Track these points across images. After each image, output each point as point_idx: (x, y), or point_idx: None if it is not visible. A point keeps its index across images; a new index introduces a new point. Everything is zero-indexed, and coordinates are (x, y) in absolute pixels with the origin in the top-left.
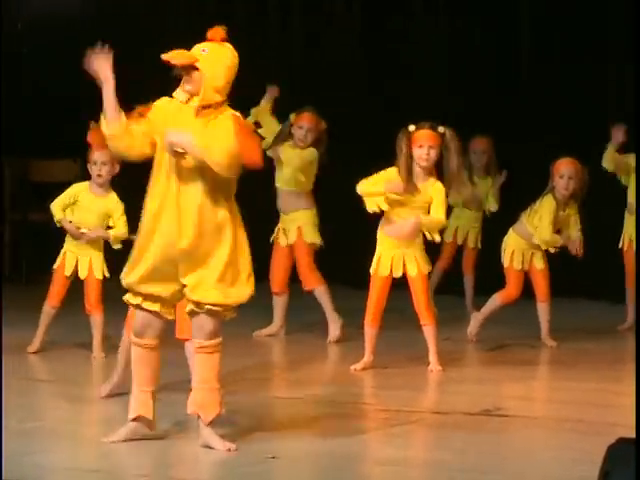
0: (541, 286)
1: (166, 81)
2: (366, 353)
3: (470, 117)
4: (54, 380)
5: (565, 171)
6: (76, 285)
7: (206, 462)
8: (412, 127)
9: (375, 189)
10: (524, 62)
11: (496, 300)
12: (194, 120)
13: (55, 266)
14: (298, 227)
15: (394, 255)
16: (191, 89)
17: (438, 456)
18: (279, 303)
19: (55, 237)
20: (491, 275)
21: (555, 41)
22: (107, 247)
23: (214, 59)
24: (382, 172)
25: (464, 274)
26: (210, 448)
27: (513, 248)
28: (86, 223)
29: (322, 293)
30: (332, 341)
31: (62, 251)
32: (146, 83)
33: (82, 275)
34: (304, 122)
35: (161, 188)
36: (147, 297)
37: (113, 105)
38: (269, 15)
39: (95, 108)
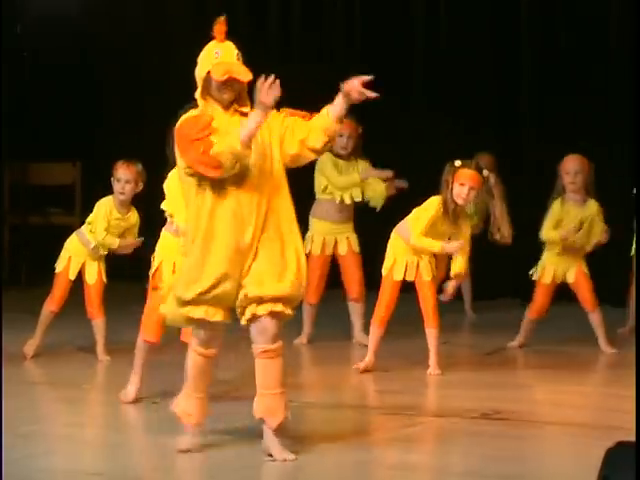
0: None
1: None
2: (368, 354)
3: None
4: (53, 383)
5: (571, 167)
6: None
7: (204, 465)
8: (458, 163)
9: (431, 246)
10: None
11: (527, 316)
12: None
13: (58, 270)
14: (347, 237)
15: (408, 260)
16: (230, 96)
17: (442, 460)
18: (312, 313)
19: (54, 240)
20: (488, 279)
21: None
22: None
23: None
24: (426, 209)
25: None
26: (270, 456)
27: (545, 262)
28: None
29: (359, 308)
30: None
31: (65, 255)
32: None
33: (90, 280)
34: (343, 130)
35: (213, 191)
36: (210, 308)
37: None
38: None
39: (93, 111)
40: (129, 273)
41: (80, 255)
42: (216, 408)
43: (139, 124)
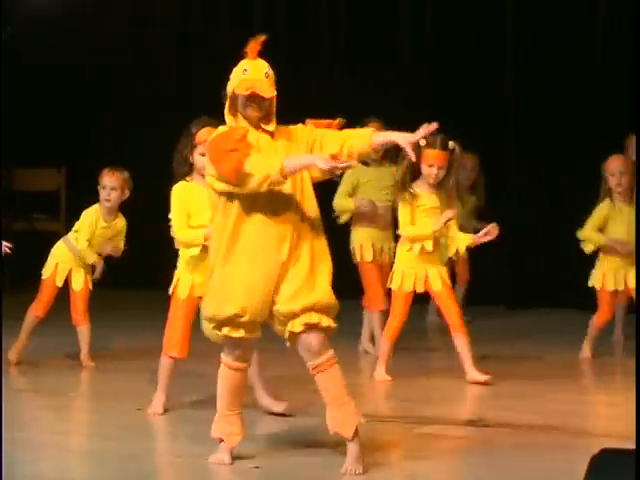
0: None
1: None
2: (378, 366)
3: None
4: (38, 390)
5: (615, 168)
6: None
7: (190, 472)
8: (423, 142)
9: (424, 232)
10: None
11: (592, 325)
12: (274, 143)
13: (45, 276)
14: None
15: (417, 271)
16: (255, 113)
17: (422, 466)
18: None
19: (38, 246)
20: (482, 286)
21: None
22: None
23: (273, 79)
24: (405, 211)
25: (457, 284)
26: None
27: (604, 268)
28: (97, 248)
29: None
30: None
31: (52, 261)
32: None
33: (77, 287)
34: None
35: (242, 206)
36: (248, 326)
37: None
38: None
39: (79, 117)
40: (115, 280)
41: (67, 262)
42: None
43: (125, 130)
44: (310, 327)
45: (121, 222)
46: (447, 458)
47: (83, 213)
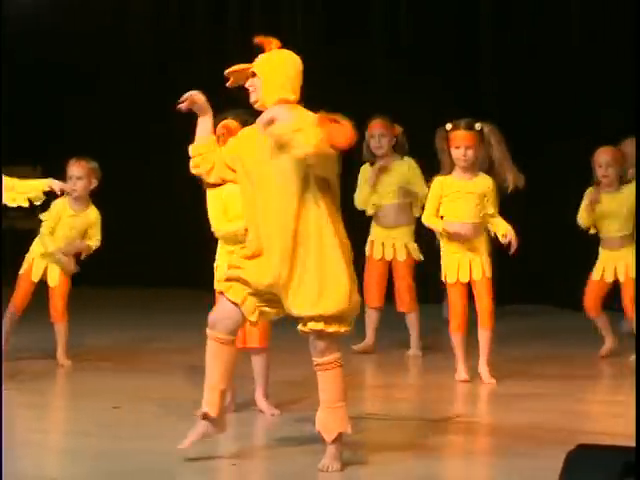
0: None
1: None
2: (459, 361)
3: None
4: (18, 388)
5: (603, 159)
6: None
7: (167, 470)
8: (449, 126)
9: (436, 226)
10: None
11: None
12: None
13: (21, 272)
14: (405, 244)
15: (460, 260)
16: (254, 98)
17: (402, 463)
18: (374, 318)
19: (15, 243)
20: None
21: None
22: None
23: (269, 61)
24: (433, 188)
25: None
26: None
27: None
28: (67, 239)
29: (415, 319)
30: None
31: (29, 257)
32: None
33: (52, 283)
34: (374, 129)
35: (248, 211)
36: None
37: (208, 132)
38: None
39: (54, 113)
40: (93, 278)
41: (43, 257)
42: None
43: (101, 126)
44: (316, 332)
45: (93, 213)
46: (447, 457)
47: (52, 203)
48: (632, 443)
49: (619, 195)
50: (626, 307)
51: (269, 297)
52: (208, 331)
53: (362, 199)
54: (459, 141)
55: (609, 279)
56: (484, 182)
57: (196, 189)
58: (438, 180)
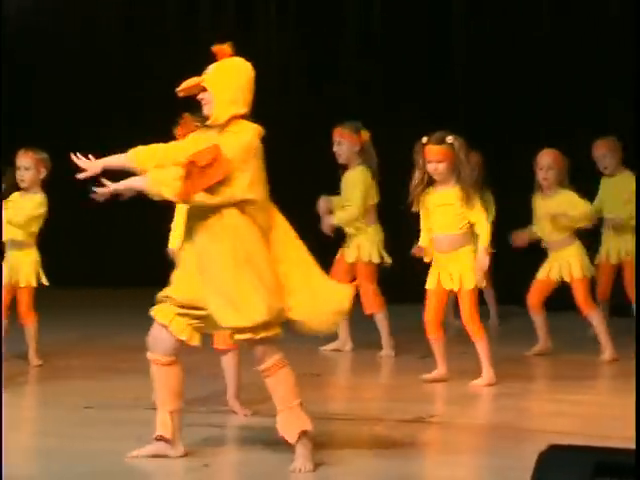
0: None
1: None
2: (438, 365)
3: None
4: None
5: (544, 162)
6: None
7: (139, 471)
8: (424, 139)
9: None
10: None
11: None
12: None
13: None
14: (358, 245)
15: (440, 271)
16: (207, 112)
17: (373, 463)
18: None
19: None
20: None
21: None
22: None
23: (220, 74)
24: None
25: None
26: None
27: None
28: (13, 221)
29: (383, 319)
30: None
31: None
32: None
33: (22, 283)
34: (334, 137)
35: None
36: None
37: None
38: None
39: (20, 112)
40: (65, 278)
41: (13, 259)
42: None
43: (69, 126)
44: (246, 341)
45: (33, 199)
46: (418, 457)
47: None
48: (604, 443)
49: (556, 198)
50: (579, 305)
51: (198, 314)
52: (148, 354)
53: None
54: (430, 155)
55: (554, 277)
56: (455, 193)
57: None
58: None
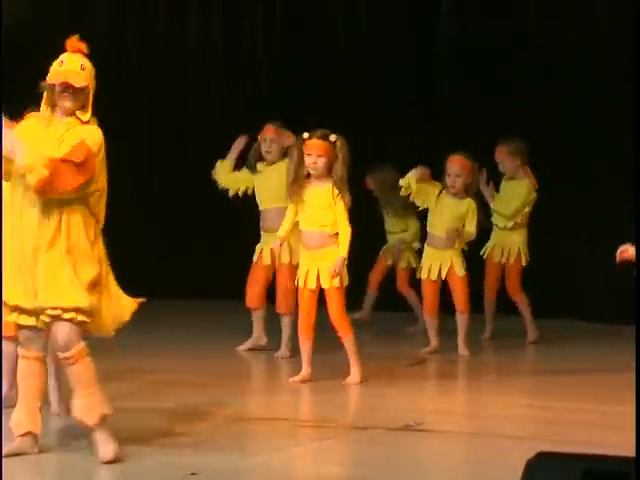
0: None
1: None
2: (304, 365)
3: None
4: None
5: (451, 168)
6: None
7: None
8: (306, 135)
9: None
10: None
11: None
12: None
13: None
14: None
15: (309, 268)
16: (71, 105)
17: (358, 472)
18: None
19: None
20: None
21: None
22: None
23: (91, 69)
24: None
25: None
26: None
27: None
28: None
29: (288, 322)
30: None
31: None
32: None
33: None
34: (266, 134)
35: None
36: (17, 312)
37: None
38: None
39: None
40: None
41: None
42: None
43: None
44: (54, 318)
45: None
46: (377, 463)
47: None
48: (593, 450)
49: (459, 204)
50: (458, 304)
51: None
52: (22, 351)
53: None
54: (312, 149)
55: (434, 277)
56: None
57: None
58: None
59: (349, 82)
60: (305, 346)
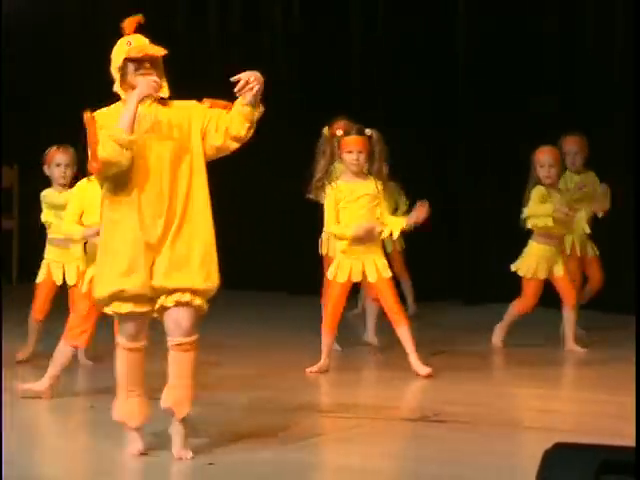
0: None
1: None
2: (322, 357)
3: None
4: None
5: (545, 160)
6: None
7: (139, 469)
8: (340, 132)
9: (344, 232)
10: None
11: (513, 310)
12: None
13: (39, 280)
14: None
15: (352, 262)
16: (159, 89)
17: (376, 463)
18: None
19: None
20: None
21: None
22: None
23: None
24: (328, 202)
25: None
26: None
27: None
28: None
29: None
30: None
31: (44, 263)
32: None
33: (71, 282)
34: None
35: (116, 185)
36: (132, 300)
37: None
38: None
39: (30, 113)
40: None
41: (60, 259)
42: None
43: (77, 126)
44: (181, 304)
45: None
46: (396, 453)
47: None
48: (611, 441)
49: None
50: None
51: None
52: (127, 344)
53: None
54: (351, 146)
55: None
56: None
57: None
58: (331, 191)
59: (365, 82)
60: (327, 340)
